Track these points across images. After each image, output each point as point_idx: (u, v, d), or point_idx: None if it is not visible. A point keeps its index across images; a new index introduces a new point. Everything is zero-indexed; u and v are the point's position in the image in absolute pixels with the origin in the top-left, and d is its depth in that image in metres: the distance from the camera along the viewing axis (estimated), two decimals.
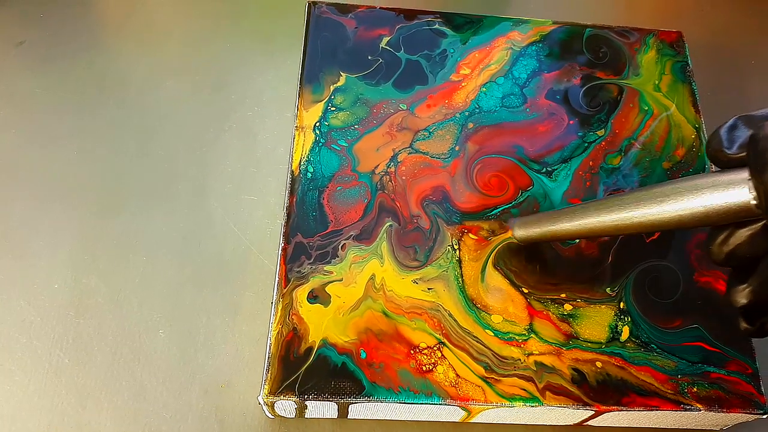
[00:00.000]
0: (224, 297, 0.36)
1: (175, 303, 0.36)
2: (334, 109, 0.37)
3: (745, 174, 0.23)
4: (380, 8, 0.41)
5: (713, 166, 0.28)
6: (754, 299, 0.24)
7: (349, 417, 0.33)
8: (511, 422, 0.34)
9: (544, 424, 0.34)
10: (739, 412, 0.31)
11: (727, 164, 0.24)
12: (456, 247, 0.33)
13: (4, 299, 0.35)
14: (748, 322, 0.25)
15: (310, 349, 0.30)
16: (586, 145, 0.37)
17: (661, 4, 0.51)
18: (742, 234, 0.24)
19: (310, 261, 0.33)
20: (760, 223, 0.23)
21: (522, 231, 0.33)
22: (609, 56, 0.40)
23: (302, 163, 0.35)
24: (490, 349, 0.31)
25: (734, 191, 0.23)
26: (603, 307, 0.33)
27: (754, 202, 0.22)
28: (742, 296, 0.24)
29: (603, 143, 0.37)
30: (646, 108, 0.39)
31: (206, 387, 0.34)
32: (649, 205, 0.26)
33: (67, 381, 0.34)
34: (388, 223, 0.34)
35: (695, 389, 0.31)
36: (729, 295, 0.25)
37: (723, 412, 0.31)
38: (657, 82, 0.40)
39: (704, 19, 0.50)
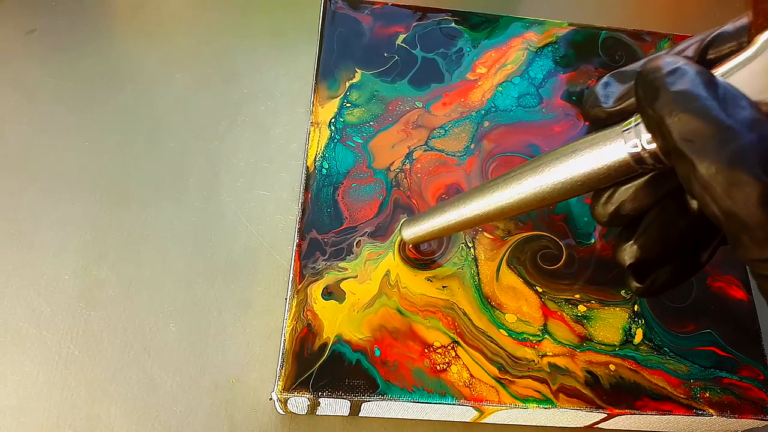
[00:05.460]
0: (235, 292, 0.36)
1: (186, 297, 0.36)
2: (349, 105, 0.37)
3: (619, 127, 0.22)
4: (393, 5, 0.41)
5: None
6: (641, 256, 0.23)
7: (360, 415, 0.33)
8: (523, 423, 0.34)
9: (555, 425, 0.34)
10: (751, 418, 0.31)
11: (604, 121, 0.23)
12: (471, 244, 0.33)
13: (14, 290, 0.35)
14: (638, 280, 0.23)
15: (324, 346, 0.30)
16: None
17: (672, 9, 0.51)
18: (626, 190, 0.23)
19: (325, 257, 0.33)
20: (642, 178, 0.22)
21: (408, 231, 0.31)
22: (624, 59, 0.40)
23: (317, 159, 0.35)
24: (504, 350, 0.31)
25: (612, 147, 0.21)
26: (617, 309, 0.33)
27: (633, 151, 0.21)
28: (628, 254, 0.23)
29: None
30: None
31: (217, 382, 0.34)
32: (530, 178, 0.24)
33: (76, 373, 0.33)
34: (403, 220, 0.34)
35: (708, 394, 0.31)
36: (616, 255, 0.23)
37: (735, 417, 0.31)
38: None
39: (715, 24, 0.50)
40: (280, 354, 0.30)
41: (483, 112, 0.37)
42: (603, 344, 0.32)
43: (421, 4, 0.41)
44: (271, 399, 0.33)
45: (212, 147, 0.40)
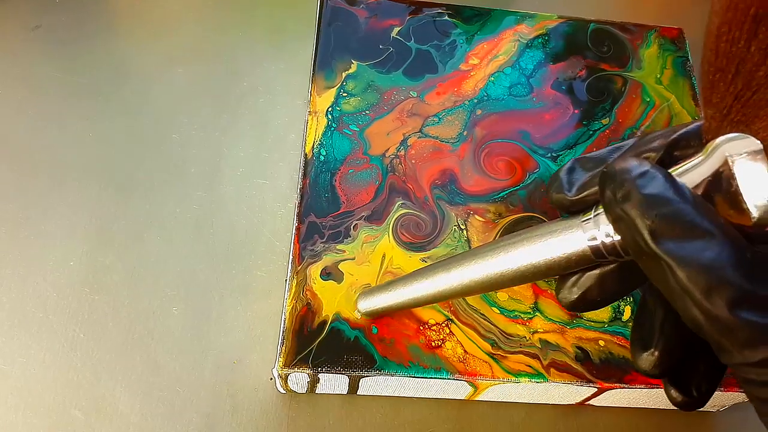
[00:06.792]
0: (236, 276, 0.37)
1: (189, 281, 0.37)
2: (345, 95, 0.38)
3: (578, 218, 0.21)
4: None
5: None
6: (666, 362, 0.21)
7: (358, 393, 0.34)
8: (516, 400, 0.35)
9: (548, 402, 0.35)
10: (736, 391, 0.32)
11: (568, 208, 0.22)
12: (463, 227, 0.35)
13: (22, 276, 0.36)
14: (681, 391, 0.21)
15: (323, 323, 0.31)
16: (590, 133, 0.38)
17: (662, 2, 0.52)
18: (592, 276, 0.22)
19: (323, 240, 0.34)
20: (612, 265, 0.21)
21: (364, 303, 0.31)
22: (612, 50, 0.42)
23: (315, 147, 0.36)
24: (496, 327, 0.32)
25: (570, 237, 0.21)
26: None
27: (592, 243, 0.21)
28: (648, 363, 0.21)
29: (607, 131, 0.38)
30: (648, 99, 0.40)
31: (218, 363, 0.35)
32: (491, 260, 0.24)
33: (82, 355, 0.34)
34: (398, 203, 0.35)
35: None
36: (635, 364, 0.21)
37: (721, 390, 0.32)
38: (659, 75, 0.41)
39: (704, 18, 0.51)
40: (281, 332, 0.31)
41: (476, 100, 0.39)
42: (592, 321, 0.33)
43: None
44: (271, 378, 0.34)
45: (213, 138, 0.41)
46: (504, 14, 0.42)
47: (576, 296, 0.22)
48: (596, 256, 0.21)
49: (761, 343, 0.16)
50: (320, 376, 0.31)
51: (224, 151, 0.41)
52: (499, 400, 0.35)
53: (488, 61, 0.40)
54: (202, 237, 0.38)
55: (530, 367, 0.32)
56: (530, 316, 0.33)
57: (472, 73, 0.40)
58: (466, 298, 0.33)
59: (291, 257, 0.33)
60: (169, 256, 0.37)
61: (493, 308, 0.33)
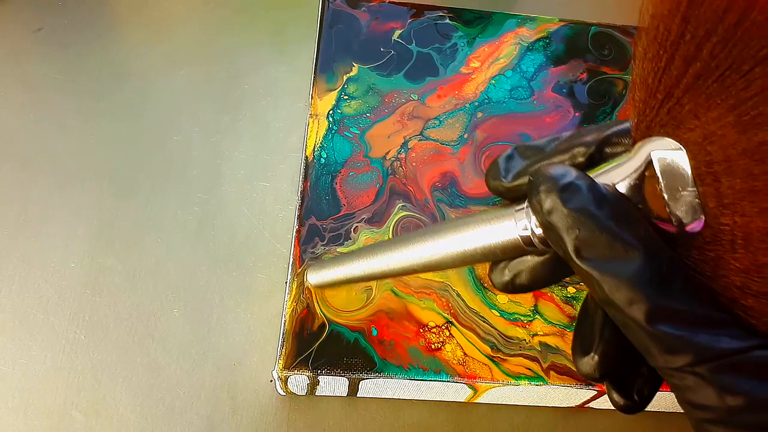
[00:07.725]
0: (237, 278, 0.37)
1: (189, 283, 0.37)
2: (347, 97, 0.38)
3: (512, 207, 0.21)
4: (389, 2, 0.42)
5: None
6: (607, 367, 0.21)
7: (358, 395, 0.34)
8: (516, 403, 0.35)
9: (547, 405, 0.35)
10: None
11: (504, 195, 0.23)
12: None
13: (23, 277, 0.36)
14: (623, 395, 0.22)
15: (323, 326, 0.31)
16: None
17: None
18: (524, 260, 0.22)
19: (324, 242, 0.34)
20: (546, 256, 0.22)
21: (314, 276, 0.29)
22: (614, 53, 0.42)
23: (316, 149, 0.36)
24: (496, 329, 0.32)
25: (503, 226, 0.21)
26: None
27: (523, 233, 0.21)
28: (590, 367, 0.21)
29: None
30: None
31: (219, 365, 0.35)
32: (430, 243, 0.24)
33: (83, 357, 0.35)
34: (399, 205, 0.35)
35: None
36: (576, 368, 0.21)
37: None
38: None
39: None
40: (281, 334, 0.31)
41: (476, 103, 0.39)
42: None
43: (417, 1, 0.43)
44: (271, 380, 0.34)
45: (214, 140, 0.41)
46: (505, 17, 0.42)
47: (507, 278, 0.22)
48: (527, 246, 0.21)
49: (678, 352, 0.17)
50: (320, 378, 0.31)
51: (225, 153, 0.41)
52: (499, 402, 0.35)
53: (489, 64, 0.40)
54: (203, 239, 0.38)
55: (530, 369, 0.32)
56: (530, 319, 0.33)
57: (473, 76, 0.40)
58: (465, 300, 0.33)
59: (291, 260, 0.33)
60: (170, 258, 0.37)
61: (492, 311, 0.33)
